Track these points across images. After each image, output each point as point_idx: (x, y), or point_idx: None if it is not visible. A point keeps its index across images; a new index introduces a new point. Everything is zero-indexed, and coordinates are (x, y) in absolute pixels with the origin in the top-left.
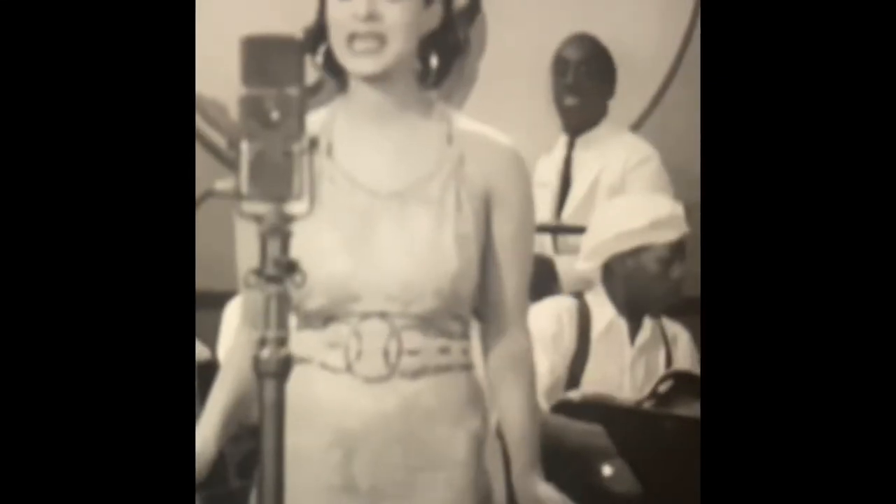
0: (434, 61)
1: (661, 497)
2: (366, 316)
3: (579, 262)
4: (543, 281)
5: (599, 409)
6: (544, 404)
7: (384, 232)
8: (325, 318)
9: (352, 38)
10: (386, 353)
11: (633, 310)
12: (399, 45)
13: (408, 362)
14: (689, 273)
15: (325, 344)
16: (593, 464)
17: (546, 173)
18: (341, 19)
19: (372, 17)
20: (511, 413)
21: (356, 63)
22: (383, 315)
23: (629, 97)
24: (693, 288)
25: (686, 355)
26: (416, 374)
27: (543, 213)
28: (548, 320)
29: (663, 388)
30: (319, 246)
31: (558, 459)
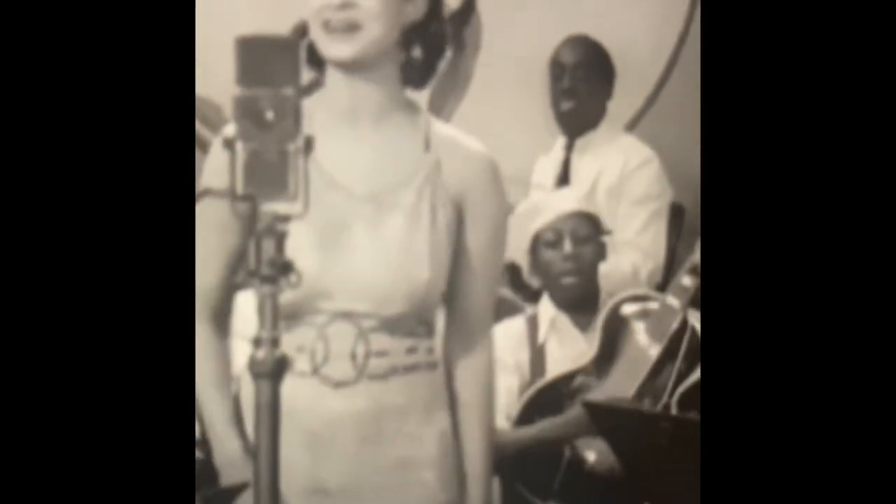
0: (417, 53)
1: (660, 497)
2: (333, 317)
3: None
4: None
5: (594, 409)
6: (505, 423)
7: (358, 234)
8: (291, 320)
9: (326, 24)
10: (353, 356)
11: (568, 303)
12: (375, 31)
13: (376, 364)
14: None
15: (291, 347)
16: (576, 451)
17: (543, 175)
18: (316, 7)
19: (346, 5)
20: (471, 415)
21: (331, 47)
22: (351, 316)
23: (624, 97)
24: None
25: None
26: (385, 375)
27: None
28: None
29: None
30: (291, 242)
31: (541, 451)
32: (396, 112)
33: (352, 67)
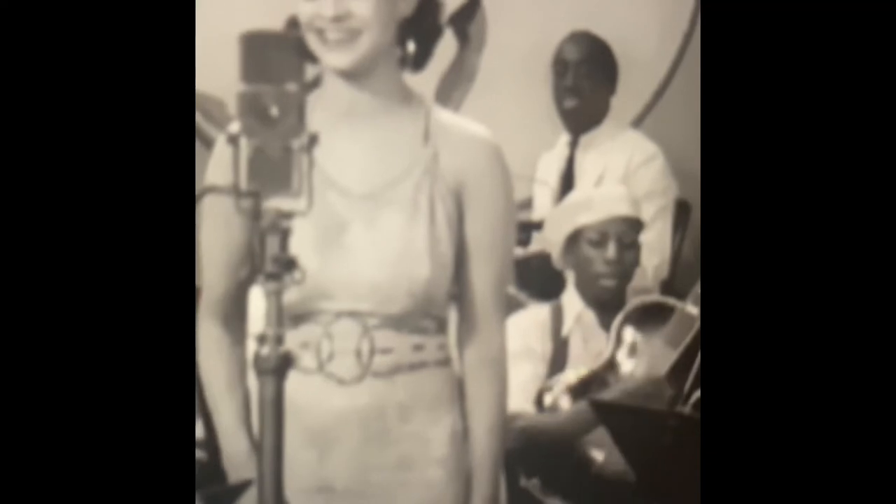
0: (411, 47)
1: (661, 496)
2: (337, 315)
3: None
4: (550, 281)
5: (600, 406)
6: (527, 406)
7: (357, 233)
8: (296, 318)
9: (321, 33)
10: (358, 354)
11: (597, 301)
12: (373, 37)
13: (381, 361)
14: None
15: (296, 344)
16: (584, 451)
17: (546, 171)
18: (309, 18)
19: (340, 18)
20: (478, 412)
21: (330, 57)
22: (355, 314)
23: (630, 94)
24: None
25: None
26: (390, 373)
27: (543, 212)
28: (512, 337)
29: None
30: (292, 243)
31: (549, 448)
32: (395, 106)
33: (350, 72)
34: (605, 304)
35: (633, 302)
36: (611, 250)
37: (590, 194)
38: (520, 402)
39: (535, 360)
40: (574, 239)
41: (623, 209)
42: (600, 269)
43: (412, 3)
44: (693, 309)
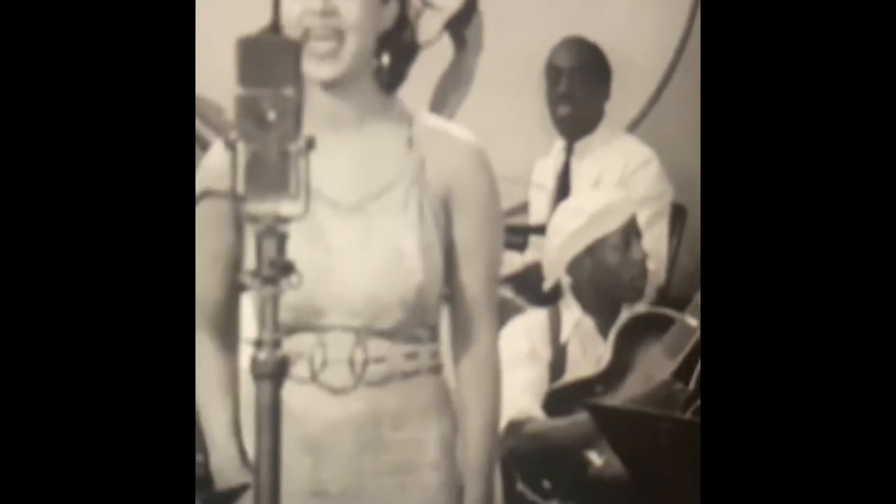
0: (386, 60)
1: (657, 499)
2: (331, 327)
3: (545, 283)
4: (539, 287)
5: (597, 410)
6: (536, 410)
7: (347, 245)
8: (289, 328)
9: (307, 35)
10: (351, 363)
11: (606, 305)
12: (357, 43)
13: (374, 370)
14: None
15: (289, 353)
16: (582, 454)
17: (543, 176)
18: (296, 14)
19: (328, 13)
20: (472, 414)
21: (314, 68)
22: (348, 326)
23: (625, 98)
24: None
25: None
26: (383, 381)
27: (540, 217)
28: (520, 339)
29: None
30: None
31: (547, 453)
32: (377, 115)
33: (333, 83)
34: (603, 310)
35: (631, 311)
36: (637, 251)
37: (605, 202)
38: (527, 405)
39: (540, 363)
40: (590, 249)
41: (632, 207)
42: (632, 271)
43: (393, 14)
44: (692, 320)
